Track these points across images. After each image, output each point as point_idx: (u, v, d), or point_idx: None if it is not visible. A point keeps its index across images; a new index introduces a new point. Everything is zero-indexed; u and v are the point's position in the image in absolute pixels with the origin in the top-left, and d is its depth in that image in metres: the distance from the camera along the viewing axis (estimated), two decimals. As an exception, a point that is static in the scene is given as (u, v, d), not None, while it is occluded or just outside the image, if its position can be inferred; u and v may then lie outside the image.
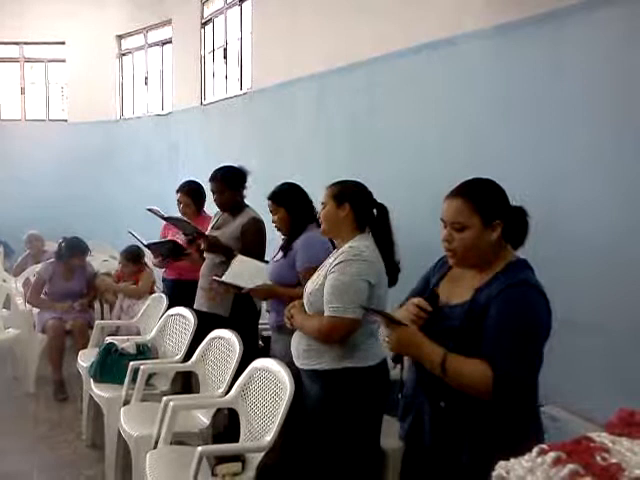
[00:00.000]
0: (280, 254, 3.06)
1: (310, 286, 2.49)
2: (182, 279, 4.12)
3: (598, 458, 0.57)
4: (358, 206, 2.50)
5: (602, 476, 0.54)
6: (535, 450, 0.60)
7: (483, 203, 1.75)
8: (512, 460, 0.60)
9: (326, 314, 2.35)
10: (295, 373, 2.58)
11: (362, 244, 2.42)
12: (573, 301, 2.62)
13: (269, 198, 3.13)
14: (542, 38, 2.84)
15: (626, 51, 2.48)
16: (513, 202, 1.81)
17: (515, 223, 1.79)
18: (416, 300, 1.85)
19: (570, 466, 0.56)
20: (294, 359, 2.58)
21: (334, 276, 2.35)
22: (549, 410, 2.53)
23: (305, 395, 2.55)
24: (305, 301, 2.52)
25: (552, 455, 0.58)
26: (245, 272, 3.17)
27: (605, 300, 2.53)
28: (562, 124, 2.74)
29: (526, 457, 0.59)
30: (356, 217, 2.49)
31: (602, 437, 0.60)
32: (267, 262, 3.28)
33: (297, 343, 2.54)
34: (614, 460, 0.57)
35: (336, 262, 2.37)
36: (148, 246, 4.14)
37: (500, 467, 0.59)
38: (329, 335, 2.37)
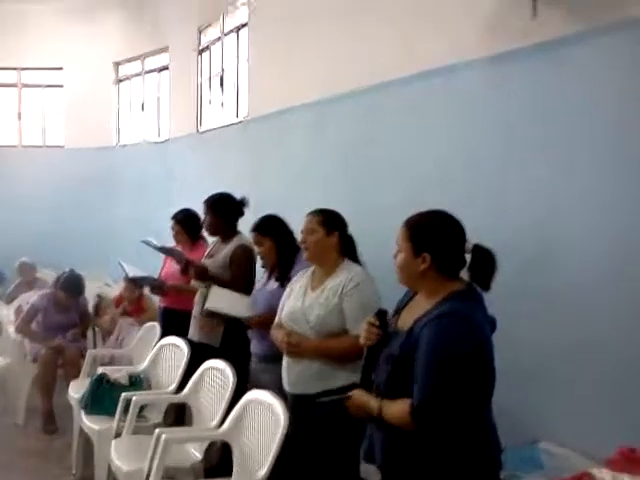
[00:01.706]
0: (275, 284, 3.05)
1: (317, 309, 2.56)
2: (178, 309, 4.06)
3: None
4: (344, 235, 2.71)
5: None
6: None
7: (416, 234, 1.92)
8: None
9: (356, 332, 2.37)
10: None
11: (359, 269, 2.63)
12: (570, 335, 2.59)
13: (253, 230, 3.20)
14: (541, 67, 2.85)
15: (628, 80, 2.48)
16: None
17: (479, 263, 1.88)
18: (368, 318, 2.03)
19: None
20: (291, 386, 2.62)
21: (356, 297, 2.52)
22: (546, 446, 2.49)
23: (308, 420, 2.56)
24: (307, 326, 2.57)
25: None
26: (224, 302, 3.18)
27: (602, 333, 2.49)
28: (561, 153, 2.74)
29: None
30: (342, 244, 2.68)
31: (603, 473, 0.57)
32: (248, 294, 3.27)
33: (302, 369, 2.57)
34: None
35: (352, 284, 2.54)
36: (132, 279, 4.20)
37: None
38: (360, 351, 2.37)
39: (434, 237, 1.91)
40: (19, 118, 9.19)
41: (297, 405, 2.62)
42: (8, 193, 8.47)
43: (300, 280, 2.76)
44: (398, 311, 2.07)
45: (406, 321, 1.94)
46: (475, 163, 3.21)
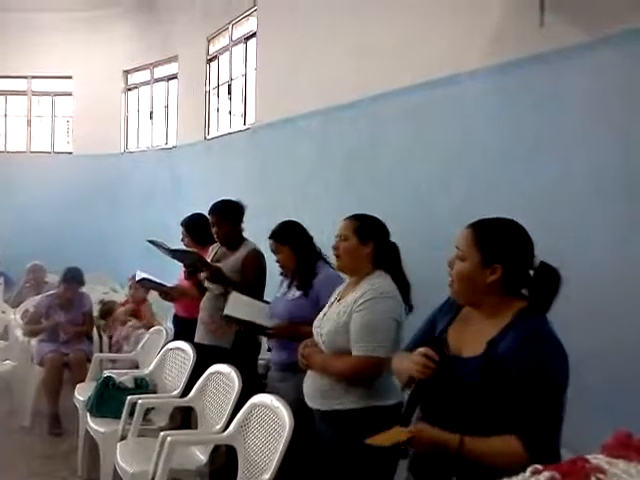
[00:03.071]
0: (297, 292, 2.98)
1: (329, 324, 2.41)
2: (192, 317, 3.92)
3: (593, 479, 0.55)
4: (381, 244, 2.47)
5: None
6: (529, 470, 0.58)
7: (488, 241, 1.71)
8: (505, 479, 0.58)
9: (355, 353, 2.30)
10: (303, 412, 2.51)
11: (384, 282, 2.39)
12: (578, 342, 2.59)
13: (271, 237, 3.08)
14: (543, 78, 2.88)
15: (635, 90, 2.50)
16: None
17: (543, 282, 1.69)
18: (423, 350, 1.76)
19: None
20: (308, 400, 2.50)
21: (362, 315, 2.30)
22: (562, 453, 2.48)
23: (319, 437, 2.49)
24: (321, 340, 2.44)
25: (546, 475, 0.57)
26: (244, 309, 3.14)
27: (609, 341, 2.50)
28: (563, 164, 2.76)
29: (520, 477, 0.58)
30: (376, 255, 2.45)
31: (598, 459, 0.59)
32: (266, 302, 3.24)
33: (313, 383, 2.46)
34: None
35: (362, 300, 2.32)
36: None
37: None
38: (359, 374, 2.32)
39: (507, 247, 1.70)
40: (29, 125, 9.28)
41: (318, 419, 2.54)
42: (17, 199, 8.54)
43: (338, 290, 2.60)
44: (443, 331, 1.83)
45: (464, 344, 1.75)
46: (478, 172, 3.23)
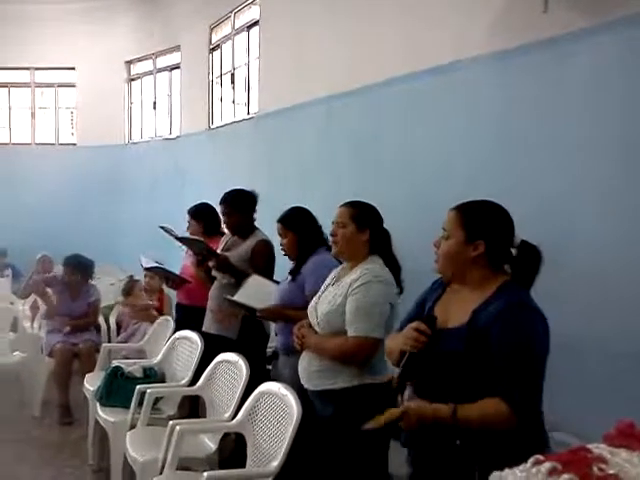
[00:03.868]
0: (288, 277, 3.06)
1: (324, 306, 2.48)
2: (196, 305, 4.01)
3: (595, 469, 0.56)
4: (376, 231, 2.54)
5: None
6: (530, 460, 0.59)
7: (471, 220, 1.83)
8: (506, 470, 0.59)
9: (351, 334, 2.36)
10: (302, 396, 2.56)
11: (377, 266, 2.46)
12: (584, 327, 2.60)
13: (279, 221, 3.13)
14: (545, 64, 2.87)
15: (632, 75, 2.50)
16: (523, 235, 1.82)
17: (524, 259, 1.81)
18: (414, 324, 1.84)
19: (565, 476, 0.55)
20: (303, 381, 2.57)
21: (357, 297, 2.37)
22: (560, 437, 2.50)
23: (315, 417, 2.53)
24: (316, 321, 2.51)
25: (547, 465, 0.57)
26: (258, 292, 3.19)
27: (616, 326, 2.51)
28: (569, 149, 2.76)
29: (521, 467, 0.58)
30: (372, 241, 2.52)
31: (600, 448, 0.59)
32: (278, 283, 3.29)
33: (307, 364, 2.53)
34: (612, 471, 0.55)
35: (359, 283, 2.39)
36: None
37: (494, 477, 0.59)
38: (354, 355, 2.38)
39: (489, 225, 1.84)
40: (32, 117, 9.28)
41: (310, 398, 2.63)
42: (22, 190, 8.57)
43: (333, 274, 2.66)
44: (431, 308, 1.93)
45: (450, 316, 1.83)
46: (483, 157, 3.23)
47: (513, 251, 1.84)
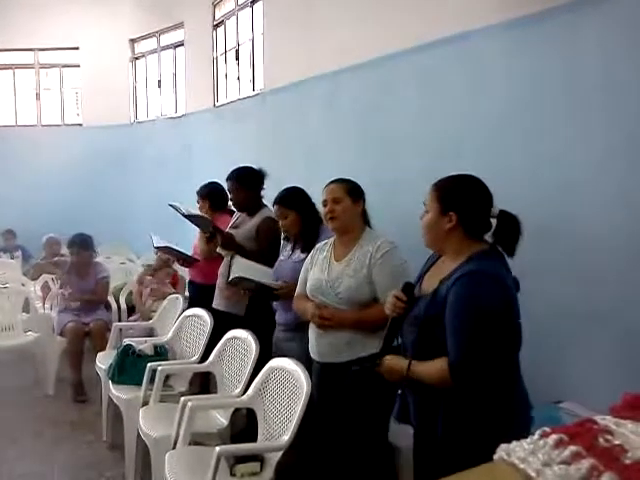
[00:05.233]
0: (302, 255, 3.05)
1: (346, 281, 2.56)
2: (208, 283, 4.01)
3: (601, 440, 0.56)
4: (364, 203, 2.74)
5: (604, 457, 0.54)
6: (537, 432, 0.60)
7: (444, 194, 1.96)
8: (514, 442, 0.59)
9: None
10: (310, 372, 2.60)
11: (383, 237, 2.62)
12: (591, 297, 2.59)
13: (277, 203, 3.18)
14: (557, 32, 2.81)
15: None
16: (512, 204, 1.89)
17: (504, 228, 1.90)
18: (394, 292, 2.05)
19: (572, 448, 0.55)
20: (320, 355, 2.65)
21: (386, 265, 2.52)
22: (568, 406, 2.51)
23: (336, 387, 2.59)
24: (333, 299, 2.58)
25: (554, 437, 0.57)
26: (249, 272, 3.20)
27: (622, 295, 2.50)
28: (577, 121, 2.71)
29: (528, 439, 0.59)
30: (364, 213, 2.71)
31: (606, 420, 0.60)
32: (271, 266, 3.29)
33: (335, 339, 2.58)
34: (617, 442, 0.56)
35: (382, 252, 2.54)
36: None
37: (501, 450, 0.59)
38: None
39: (461, 197, 1.94)
40: (37, 98, 9.26)
41: (325, 372, 2.65)
42: (29, 172, 8.59)
43: (322, 251, 2.75)
44: (421, 276, 2.09)
45: (431, 284, 1.96)
46: (490, 133, 3.18)
47: (493, 221, 1.93)
